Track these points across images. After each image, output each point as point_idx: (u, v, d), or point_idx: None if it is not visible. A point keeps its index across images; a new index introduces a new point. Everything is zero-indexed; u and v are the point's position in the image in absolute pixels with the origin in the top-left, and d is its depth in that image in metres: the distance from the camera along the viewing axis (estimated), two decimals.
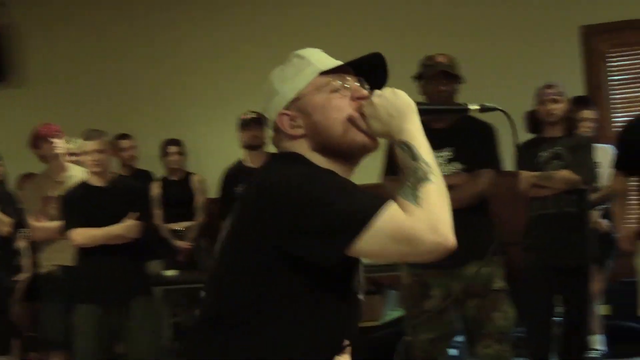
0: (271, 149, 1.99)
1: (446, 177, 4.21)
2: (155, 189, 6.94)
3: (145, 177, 7.11)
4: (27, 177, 6.74)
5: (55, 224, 5.39)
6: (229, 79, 7.58)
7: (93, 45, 7.98)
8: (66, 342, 5.24)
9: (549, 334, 4.96)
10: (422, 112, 1.87)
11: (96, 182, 5.14)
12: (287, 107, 1.91)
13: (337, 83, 1.90)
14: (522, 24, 7.05)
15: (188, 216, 6.97)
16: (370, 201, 1.70)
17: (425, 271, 4.39)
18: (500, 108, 1.99)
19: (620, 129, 5.17)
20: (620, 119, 6.68)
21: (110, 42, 7.95)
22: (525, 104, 5.20)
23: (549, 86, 5.09)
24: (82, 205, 5.06)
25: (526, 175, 4.95)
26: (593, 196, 5.26)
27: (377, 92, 1.88)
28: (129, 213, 5.02)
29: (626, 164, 4.92)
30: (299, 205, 1.70)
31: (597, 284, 5.38)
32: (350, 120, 1.88)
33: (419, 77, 4.52)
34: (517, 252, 5.04)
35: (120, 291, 5.02)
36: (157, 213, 6.77)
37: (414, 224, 1.65)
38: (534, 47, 6.99)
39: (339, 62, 1.92)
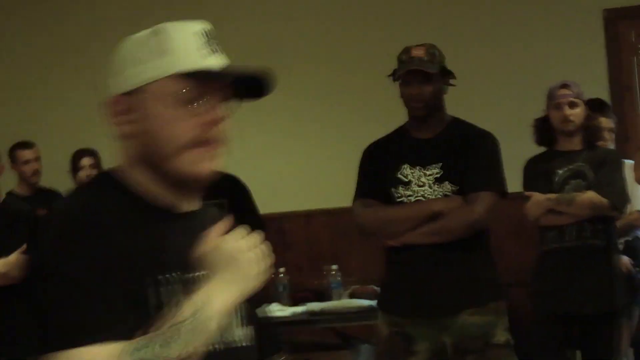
0: None
1: (434, 201, 4.26)
2: None
3: (51, 198, 6.94)
4: None
5: None
6: None
7: None
8: None
9: None
10: None
11: None
12: (125, 94, 1.89)
13: (193, 96, 1.86)
14: (531, 8, 7.11)
15: None
16: (88, 323, 1.75)
17: (408, 320, 4.37)
18: None
19: None
20: None
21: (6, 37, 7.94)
22: (536, 107, 5.24)
23: (565, 86, 5.08)
24: None
25: (539, 199, 4.96)
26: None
27: (229, 239, 1.86)
28: (20, 245, 4.94)
29: None
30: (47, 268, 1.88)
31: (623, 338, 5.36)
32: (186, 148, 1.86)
33: (393, 76, 4.48)
34: (524, 296, 5.08)
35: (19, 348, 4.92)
36: None
37: None
38: (547, 35, 7.05)
39: (209, 63, 1.88)
